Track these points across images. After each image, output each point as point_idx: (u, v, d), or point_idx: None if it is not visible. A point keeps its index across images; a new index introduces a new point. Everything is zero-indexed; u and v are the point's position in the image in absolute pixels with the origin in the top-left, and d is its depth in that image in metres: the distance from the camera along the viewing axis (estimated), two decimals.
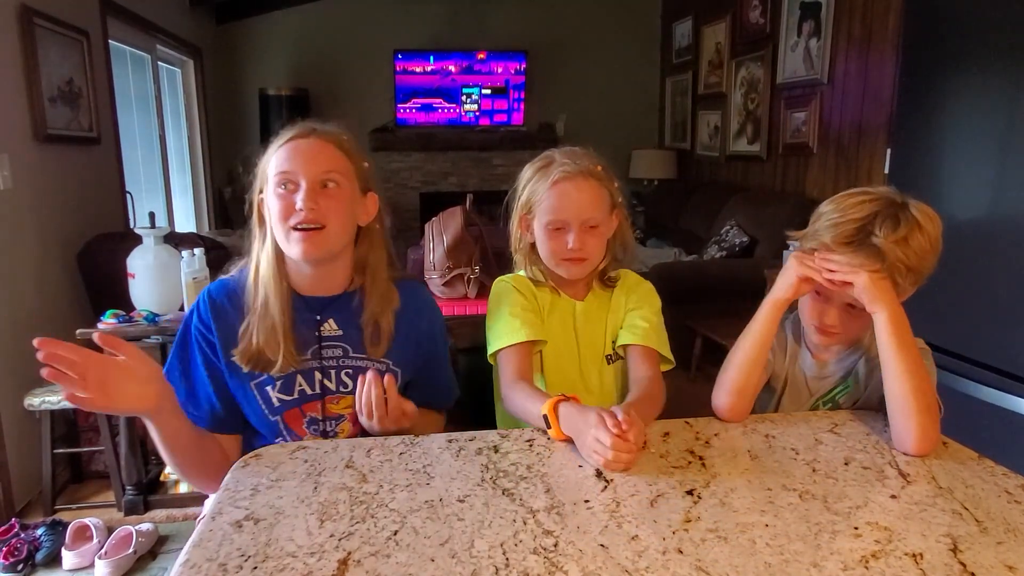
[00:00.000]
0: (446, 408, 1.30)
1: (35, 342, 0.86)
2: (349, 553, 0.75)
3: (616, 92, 5.76)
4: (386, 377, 1.05)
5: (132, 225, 3.21)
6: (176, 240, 2.37)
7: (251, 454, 0.99)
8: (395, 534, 0.78)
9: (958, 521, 0.81)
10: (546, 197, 1.19)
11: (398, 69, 5.37)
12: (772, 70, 4.03)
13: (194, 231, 4.15)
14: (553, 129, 5.61)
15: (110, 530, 2.14)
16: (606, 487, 0.89)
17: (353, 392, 1.13)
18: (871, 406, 1.16)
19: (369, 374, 1.05)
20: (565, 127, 5.60)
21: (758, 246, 3.72)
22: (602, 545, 0.76)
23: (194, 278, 2.13)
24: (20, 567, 1.98)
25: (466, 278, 2.09)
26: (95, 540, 2.10)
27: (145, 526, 2.17)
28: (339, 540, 0.77)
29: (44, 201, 2.55)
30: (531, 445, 1.01)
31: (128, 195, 3.32)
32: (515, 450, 1.00)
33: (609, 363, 1.28)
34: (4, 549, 2.00)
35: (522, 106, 5.57)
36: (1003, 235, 1.85)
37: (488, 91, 5.52)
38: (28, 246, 2.44)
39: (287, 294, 1.11)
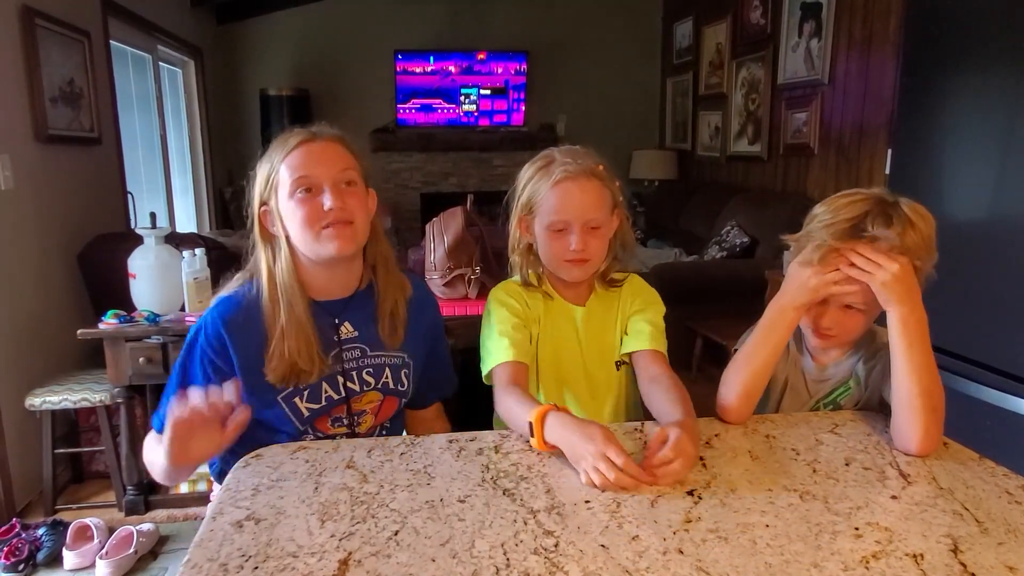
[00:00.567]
0: (449, 397, 1.34)
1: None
2: (350, 553, 0.75)
3: (617, 93, 5.76)
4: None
5: (133, 225, 3.21)
6: (177, 240, 2.37)
7: (252, 454, 0.99)
8: (396, 534, 0.78)
9: (959, 522, 0.81)
10: (548, 197, 1.16)
11: (398, 69, 5.37)
12: (773, 71, 4.03)
13: (195, 231, 4.15)
14: (554, 129, 5.61)
15: (111, 530, 2.14)
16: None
17: (374, 388, 1.18)
18: (872, 407, 1.16)
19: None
20: (566, 127, 5.60)
21: (759, 247, 3.72)
22: (603, 545, 0.76)
23: (195, 278, 2.13)
24: (21, 567, 1.98)
25: (467, 278, 2.09)
26: (96, 540, 2.10)
27: (146, 526, 2.17)
28: (340, 540, 0.77)
29: (45, 201, 2.55)
30: (531, 446, 1.01)
31: (129, 195, 3.32)
32: (516, 450, 1.00)
33: (618, 368, 1.26)
34: (5, 549, 2.00)
35: (522, 107, 5.57)
36: (1004, 235, 1.85)
37: (487, 91, 5.52)
38: (29, 246, 2.45)
39: (307, 300, 1.12)
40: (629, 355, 1.24)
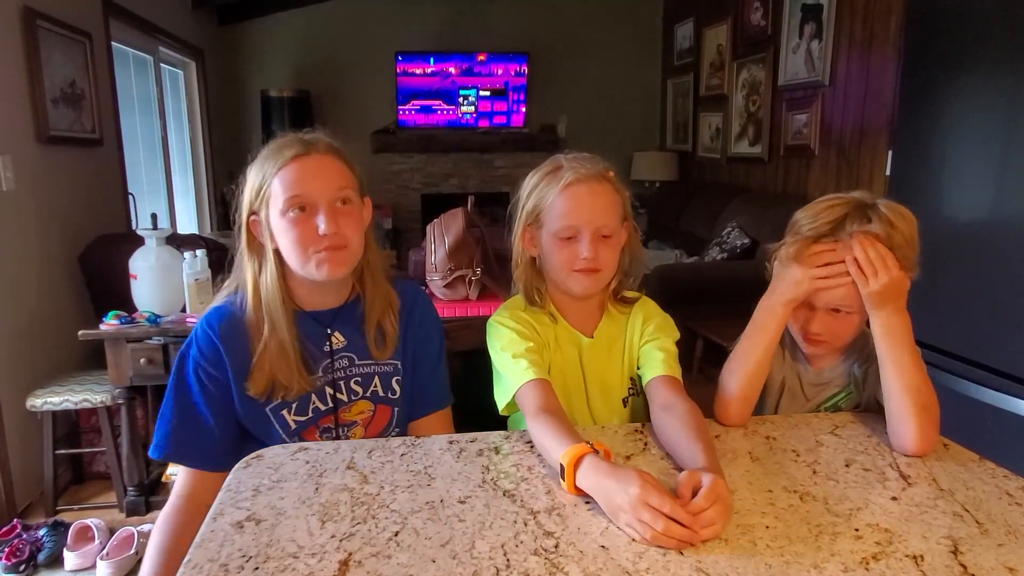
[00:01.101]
0: (449, 405, 1.27)
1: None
2: (350, 554, 0.75)
3: (617, 94, 5.76)
4: None
5: (134, 226, 3.21)
6: (178, 241, 2.38)
7: (253, 455, 1.00)
8: (396, 535, 0.78)
9: (959, 523, 0.81)
10: (556, 202, 1.09)
11: (399, 71, 5.37)
12: (773, 72, 4.03)
13: (196, 232, 4.15)
14: (554, 131, 5.61)
15: (112, 531, 2.15)
16: None
17: (363, 397, 1.14)
18: (871, 409, 1.16)
19: None
20: (566, 129, 5.61)
21: (759, 248, 3.72)
22: (603, 546, 0.76)
23: (196, 279, 2.13)
24: (22, 568, 1.99)
25: (467, 280, 2.09)
26: (97, 541, 2.10)
27: (147, 527, 2.17)
28: (340, 541, 0.77)
29: (46, 202, 2.55)
30: (532, 447, 1.01)
31: (130, 196, 3.33)
32: (516, 451, 1.00)
33: (625, 405, 1.20)
34: (6, 550, 2.00)
35: (522, 108, 5.57)
36: (1004, 237, 1.85)
37: (487, 93, 5.52)
38: (30, 247, 2.45)
39: (292, 316, 1.09)
40: (641, 383, 1.16)
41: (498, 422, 1.34)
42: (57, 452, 2.32)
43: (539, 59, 5.52)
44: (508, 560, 0.74)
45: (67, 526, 2.13)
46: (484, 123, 5.59)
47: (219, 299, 1.14)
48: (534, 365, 1.05)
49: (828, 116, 3.58)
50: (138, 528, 2.13)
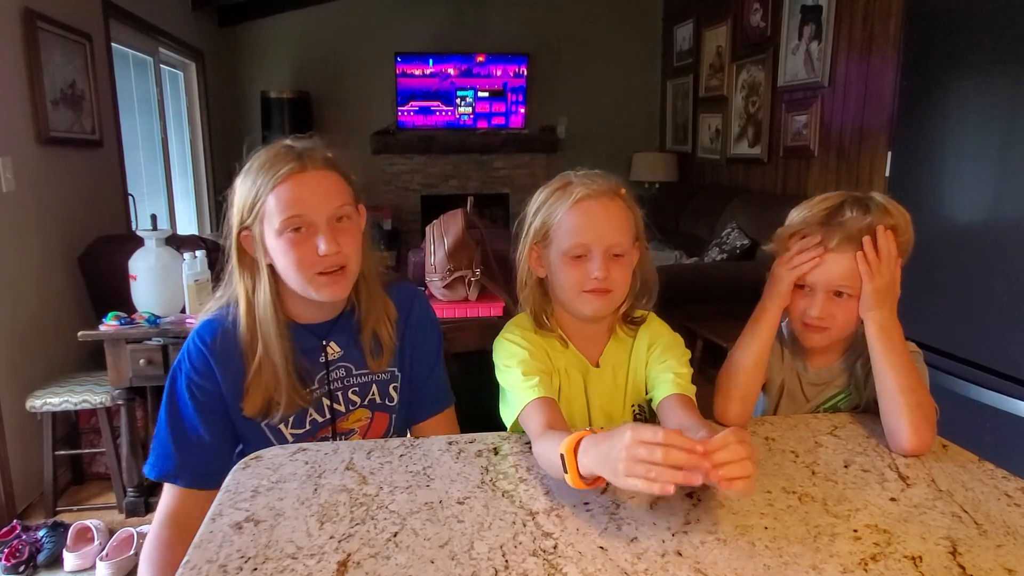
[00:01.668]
0: (452, 405, 1.26)
1: None
2: (349, 555, 0.75)
3: (617, 95, 5.77)
4: None
5: (134, 227, 3.22)
6: (178, 242, 2.38)
7: (252, 456, 1.00)
8: (395, 536, 0.78)
9: (957, 524, 0.81)
10: (566, 220, 1.04)
11: (399, 72, 5.38)
12: (773, 73, 4.04)
13: (196, 233, 4.15)
14: (554, 132, 5.62)
15: (111, 532, 2.15)
16: (605, 489, 0.89)
17: (361, 406, 1.13)
18: (871, 410, 1.16)
19: None
20: (566, 130, 5.61)
21: (759, 249, 3.72)
22: (601, 547, 0.76)
23: (196, 280, 2.14)
24: (22, 568, 1.99)
25: (467, 280, 2.09)
26: (96, 542, 2.10)
27: (146, 528, 2.17)
28: (339, 542, 0.77)
29: (46, 203, 2.55)
30: (531, 447, 1.01)
31: (130, 197, 3.33)
32: (515, 452, 1.00)
33: None
34: (6, 551, 2.00)
35: (520, 109, 5.58)
36: (1004, 238, 1.85)
37: (485, 94, 5.52)
38: (30, 248, 2.45)
39: (286, 331, 1.07)
40: (650, 408, 1.12)
41: (496, 424, 1.34)
42: (57, 453, 2.32)
43: (539, 60, 5.52)
44: (507, 561, 0.74)
45: (67, 527, 2.13)
46: (482, 124, 5.59)
47: (210, 311, 1.11)
48: (542, 384, 1.01)
49: (828, 117, 3.58)
50: (137, 529, 2.13)
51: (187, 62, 4.51)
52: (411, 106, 5.48)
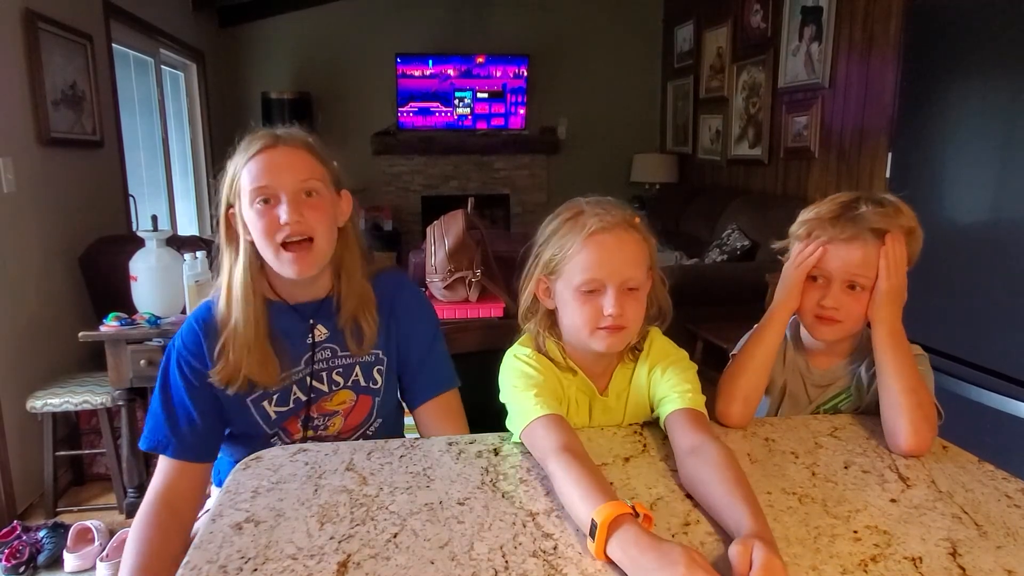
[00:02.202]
0: (453, 387, 1.24)
1: None
2: (349, 555, 0.75)
3: (618, 96, 5.77)
4: None
5: (134, 228, 3.22)
6: (178, 243, 2.38)
7: (252, 456, 1.00)
8: (395, 536, 0.78)
9: (958, 525, 0.81)
10: (578, 253, 0.98)
11: (399, 73, 5.38)
12: (773, 74, 4.04)
13: (196, 234, 4.15)
14: (555, 133, 5.62)
15: (112, 532, 2.14)
16: None
17: (345, 387, 1.15)
18: (872, 412, 1.16)
19: None
20: (567, 131, 5.61)
21: (759, 250, 3.72)
22: None
23: (196, 281, 2.14)
24: (22, 569, 1.99)
25: (467, 281, 2.09)
26: (97, 542, 2.10)
27: None
28: (339, 542, 0.77)
29: (47, 204, 2.55)
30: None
31: (131, 198, 3.33)
32: (515, 453, 1.00)
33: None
34: (6, 551, 2.00)
35: (520, 110, 5.58)
36: (1005, 239, 1.85)
37: (484, 95, 5.52)
38: (31, 249, 2.45)
39: (262, 309, 1.09)
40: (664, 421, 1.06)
41: (496, 424, 1.34)
42: (57, 454, 2.32)
43: (539, 61, 5.52)
44: (507, 561, 0.74)
45: (67, 528, 2.13)
46: (481, 125, 5.59)
47: (212, 294, 1.16)
48: (554, 401, 0.98)
49: (828, 118, 3.58)
50: None
51: (188, 63, 4.52)
52: (411, 107, 5.49)
